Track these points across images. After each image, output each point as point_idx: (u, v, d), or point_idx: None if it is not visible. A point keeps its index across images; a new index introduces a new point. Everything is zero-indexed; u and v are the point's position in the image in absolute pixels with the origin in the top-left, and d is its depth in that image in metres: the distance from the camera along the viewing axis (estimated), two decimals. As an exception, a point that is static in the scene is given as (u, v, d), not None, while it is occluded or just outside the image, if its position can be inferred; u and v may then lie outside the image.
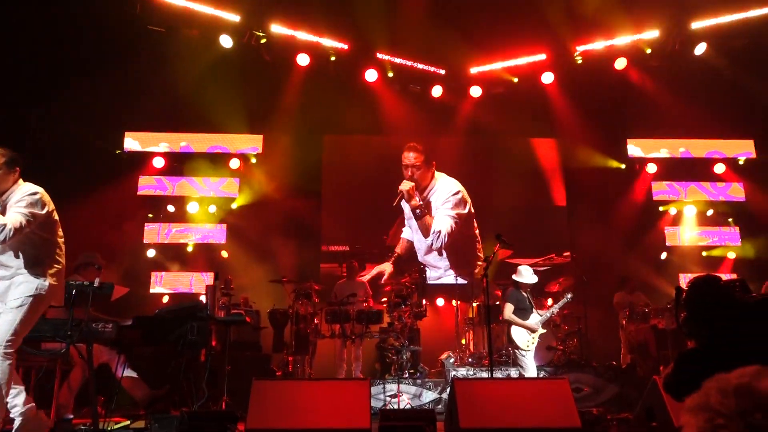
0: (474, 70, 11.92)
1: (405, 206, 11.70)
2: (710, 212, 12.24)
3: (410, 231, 11.87)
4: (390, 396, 7.84)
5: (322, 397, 4.66)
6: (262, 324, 9.15)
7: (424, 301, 9.51)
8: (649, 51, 11.32)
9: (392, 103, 11.93)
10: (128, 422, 5.81)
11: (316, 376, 8.63)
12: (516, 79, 11.86)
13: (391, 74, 11.74)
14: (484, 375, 8.16)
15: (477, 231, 11.64)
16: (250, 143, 12.10)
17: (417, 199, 11.40)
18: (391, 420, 4.70)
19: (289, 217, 11.68)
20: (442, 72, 11.85)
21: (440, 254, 11.54)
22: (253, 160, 12.05)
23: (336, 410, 4.59)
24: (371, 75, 11.62)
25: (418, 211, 11.54)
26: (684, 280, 10.94)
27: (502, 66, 11.85)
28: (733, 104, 11.69)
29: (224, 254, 11.59)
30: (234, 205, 11.87)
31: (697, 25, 11.09)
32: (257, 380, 4.68)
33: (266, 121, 11.74)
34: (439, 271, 11.10)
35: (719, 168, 12.28)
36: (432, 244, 11.67)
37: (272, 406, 4.51)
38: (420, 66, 11.74)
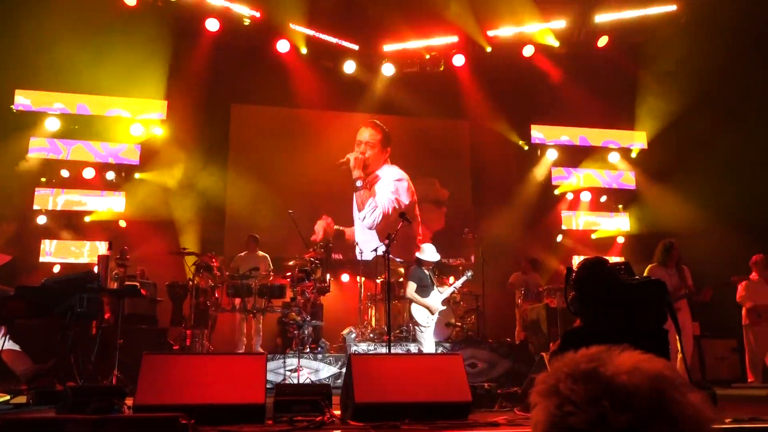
0: (387, 48, 11.92)
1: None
2: (603, 198, 12.92)
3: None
4: (290, 371, 7.83)
5: (215, 371, 4.57)
6: (159, 297, 8.88)
7: (328, 277, 9.51)
8: (555, 41, 11.69)
9: (304, 76, 11.73)
10: (8, 397, 5.51)
11: (215, 350, 8.48)
12: (428, 56, 11.94)
13: (304, 49, 11.51)
14: (384, 350, 8.30)
15: (420, 238, 11.66)
16: (154, 109, 11.58)
17: (360, 172, 11.46)
18: (287, 395, 4.67)
19: (193, 187, 11.31)
20: (355, 47, 11.76)
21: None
22: (157, 127, 11.54)
23: (230, 385, 4.52)
24: (283, 46, 11.38)
25: (358, 182, 11.56)
26: (577, 261, 11.51)
27: (415, 45, 11.91)
28: (629, 97, 12.31)
29: (122, 224, 11.10)
30: (137, 175, 11.35)
31: (600, 18, 11.56)
32: (147, 354, 4.53)
33: (171, 86, 11.26)
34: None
35: (613, 157, 12.95)
36: (364, 219, 11.70)
37: (163, 380, 4.38)
38: (333, 40, 11.60)
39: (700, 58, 10.67)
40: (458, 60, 11.91)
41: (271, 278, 9.27)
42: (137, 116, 11.49)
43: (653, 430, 0.86)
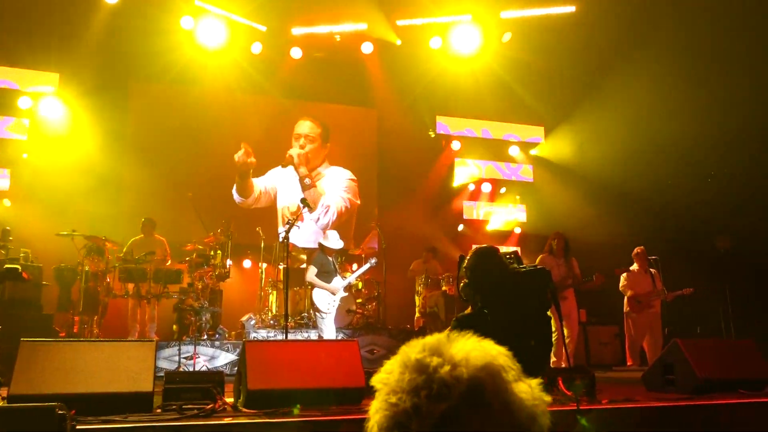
0: (296, 31, 11.76)
1: (282, 178, 11.22)
2: (503, 190, 13.36)
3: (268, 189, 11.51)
4: (185, 358, 7.63)
5: (100, 359, 4.38)
6: (45, 281, 8.40)
7: (229, 262, 9.34)
8: (462, 35, 11.90)
9: (209, 56, 11.35)
10: None
11: (105, 337, 8.14)
12: (338, 37, 11.86)
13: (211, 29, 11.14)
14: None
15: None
16: (44, 81, 10.87)
17: (306, 169, 11.11)
18: (177, 382, 4.55)
19: (87, 166, 10.70)
20: (263, 29, 11.52)
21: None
22: (48, 101, 10.81)
23: (116, 373, 4.35)
24: (188, 22, 10.95)
25: (307, 180, 11.21)
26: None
27: (324, 30, 11.81)
28: (531, 92, 12.75)
29: (6, 203, 10.40)
30: (25, 155, 10.63)
31: (506, 14, 11.87)
32: (25, 341, 4.28)
33: (64, 58, 10.60)
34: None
35: (513, 150, 13.42)
36: (318, 219, 11.36)
37: (42, 369, 4.16)
38: (240, 20, 11.29)
39: (597, 58, 11.21)
40: (367, 47, 11.92)
41: (169, 263, 8.99)
42: (26, 88, 10.75)
43: (467, 419, 0.89)
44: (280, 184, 11.73)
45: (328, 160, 12.07)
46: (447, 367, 0.93)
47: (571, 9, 11.51)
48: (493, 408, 0.91)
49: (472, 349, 0.96)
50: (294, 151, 11.31)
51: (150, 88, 11.71)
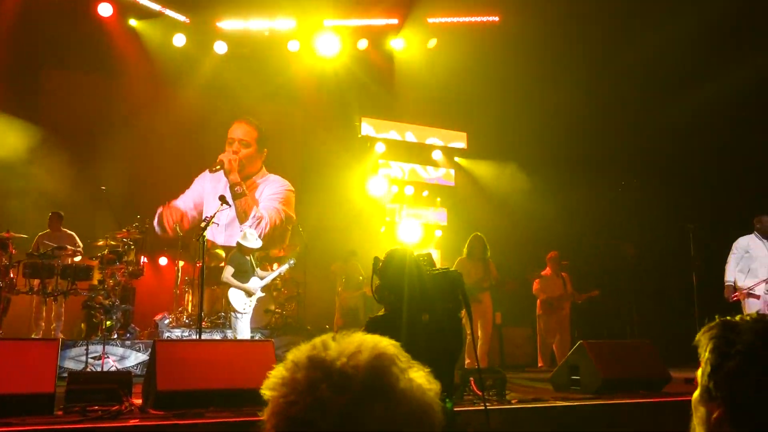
0: (221, 25, 11.52)
1: (210, 185, 10.76)
2: (425, 193, 13.54)
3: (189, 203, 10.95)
4: (93, 358, 7.34)
5: (-2, 359, 4.19)
6: (-59, 276, 7.89)
7: (143, 259, 9.07)
8: (391, 38, 12.02)
9: (128, 45, 10.95)
10: None
11: (6, 335, 7.72)
12: (267, 32, 11.69)
13: (133, 21, 10.77)
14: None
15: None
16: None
17: (237, 176, 10.64)
18: (80, 383, 4.39)
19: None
20: (186, 20, 11.23)
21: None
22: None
23: (14, 373, 4.16)
24: (105, 9, 10.55)
25: (237, 188, 10.76)
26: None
27: (250, 26, 11.63)
28: (454, 98, 12.98)
29: None
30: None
31: (432, 20, 12.07)
32: None
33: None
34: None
35: (436, 154, 13.64)
36: None
37: (-69, 369, 3.93)
38: (162, 9, 10.97)
39: (522, 65, 11.55)
40: (293, 46, 11.82)
41: (80, 258, 8.62)
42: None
43: (369, 409, 0.90)
44: (207, 194, 11.35)
45: (265, 166, 11.84)
46: (343, 359, 0.93)
47: (494, 19, 11.83)
48: (394, 394, 0.91)
49: (362, 342, 0.97)
50: (226, 156, 10.96)
51: (65, 78, 11.18)
